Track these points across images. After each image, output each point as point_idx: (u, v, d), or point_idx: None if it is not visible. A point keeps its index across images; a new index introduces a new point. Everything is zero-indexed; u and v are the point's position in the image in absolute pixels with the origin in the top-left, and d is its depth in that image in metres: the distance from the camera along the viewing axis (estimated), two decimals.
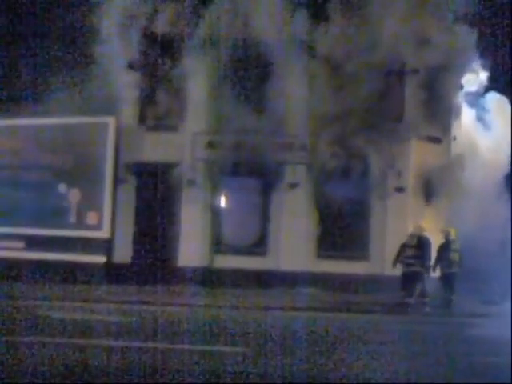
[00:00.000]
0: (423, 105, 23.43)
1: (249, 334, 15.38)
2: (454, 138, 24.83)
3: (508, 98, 25.56)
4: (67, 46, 25.61)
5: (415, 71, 23.46)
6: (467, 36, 23.36)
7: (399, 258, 21.14)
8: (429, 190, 24.34)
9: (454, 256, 21.14)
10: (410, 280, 20.92)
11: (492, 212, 23.53)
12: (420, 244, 21.05)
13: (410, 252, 21.01)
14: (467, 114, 25.50)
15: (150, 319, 17.55)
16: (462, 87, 24.58)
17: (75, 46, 25.18)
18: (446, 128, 24.58)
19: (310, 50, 23.72)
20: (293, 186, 24.82)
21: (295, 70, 23.72)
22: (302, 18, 23.57)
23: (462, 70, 23.88)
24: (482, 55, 24.33)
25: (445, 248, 21.28)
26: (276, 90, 24.23)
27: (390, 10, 23.06)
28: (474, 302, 21.28)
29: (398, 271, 21.48)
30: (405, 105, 23.71)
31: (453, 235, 21.35)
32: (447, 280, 21.15)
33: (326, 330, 16.43)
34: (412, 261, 20.90)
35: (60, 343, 13.24)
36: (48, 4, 25.91)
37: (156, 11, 24.66)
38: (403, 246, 21.25)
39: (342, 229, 25.02)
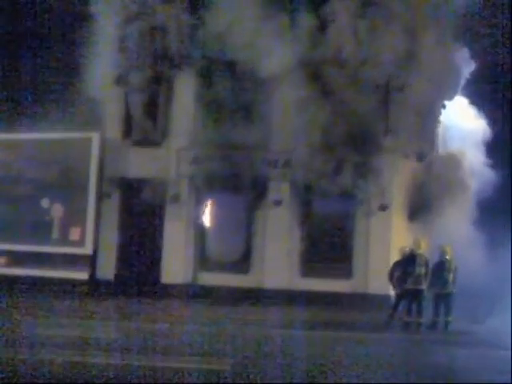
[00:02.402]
0: (408, 122, 23.48)
1: (232, 350, 15.31)
2: (437, 155, 24.89)
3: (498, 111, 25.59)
4: (53, 61, 25.59)
5: (400, 88, 23.55)
6: (454, 53, 23.52)
7: (393, 275, 20.78)
8: (413, 208, 24.36)
9: (451, 275, 20.32)
10: (408, 298, 20.45)
11: (476, 230, 23.63)
12: (420, 261, 20.38)
13: (409, 269, 20.37)
14: (451, 131, 25.57)
15: (133, 335, 17.43)
16: (444, 106, 24.62)
17: (62, 61, 25.13)
18: (430, 145, 24.63)
19: (297, 66, 23.73)
20: (277, 203, 24.81)
21: (280, 86, 23.71)
22: (289, 34, 23.62)
23: (446, 87, 23.93)
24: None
25: (440, 267, 20.46)
26: (261, 106, 24.27)
27: (377, 26, 23.20)
28: (460, 320, 21.13)
29: (380, 289, 21.37)
30: (389, 121, 23.81)
31: (449, 254, 20.57)
32: (442, 301, 20.33)
33: (310, 348, 16.39)
34: (412, 279, 20.27)
35: (42, 359, 13.12)
36: (36, 15, 25.90)
37: (143, 28, 24.66)
38: (397, 263, 20.93)
39: (325, 246, 25.01)
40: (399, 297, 20.71)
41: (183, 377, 12.42)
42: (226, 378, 12.18)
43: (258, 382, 12.10)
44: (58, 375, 11.84)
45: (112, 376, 12.09)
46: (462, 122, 25.88)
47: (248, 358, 14.31)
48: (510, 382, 10.72)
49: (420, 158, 24.36)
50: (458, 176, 24.62)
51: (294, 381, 12.42)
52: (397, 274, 20.64)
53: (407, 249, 20.89)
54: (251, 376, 12.55)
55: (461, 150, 25.44)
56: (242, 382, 12.22)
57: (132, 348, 15.29)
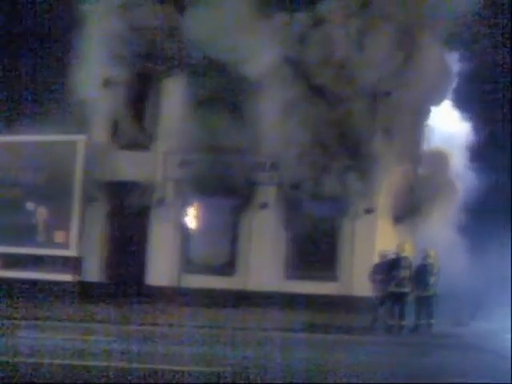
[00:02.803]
0: (393, 127, 23.60)
1: (216, 353, 15.36)
2: (422, 159, 24.97)
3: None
4: (41, 63, 25.55)
5: (387, 93, 23.68)
6: (441, 60, 23.63)
7: (374, 277, 20.90)
8: (398, 211, 24.44)
9: (433, 279, 20.52)
10: (391, 301, 20.61)
11: (460, 233, 23.76)
12: (405, 264, 20.61)
13: (393, 272, 20.57)
14: (436, 136, 25.62)
15: (119, 338, 17.43)
16: (429, 111, 24.71)
17: (49, 64, 25.09)
18: (415, 149, 24.72)
19: (284, 71, 23.81)
20: (263, 206, 24.89)
21: (267, 91, 23.77)
22: (278, 34, 23.69)
23: (433, 92, 24.04)
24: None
25: (423, 270, 20.66)
26: (248, 111, 24.31)
27: (367, 29, 23.32)
28: (444, 323, 21.24)
29: (365, 292, 21.44)
30: (376, 126, 23.93)
31: (432, 257, 20.82)
32: (424, 303, 20.51)
33: (293, 351, 16.44)
34: (396, 282, 20.46)
35: (27, 362, 13.12)
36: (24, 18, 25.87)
37: (131, 31, 24.65)
38: (377, 266, 20.98)
39: (310, 249, 25.09)
40: (381, 299, 20.85)
41: (164, 378, 12.47)
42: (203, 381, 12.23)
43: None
44: (41, 378, 11.85)
45: (92, 377, 12.14)
46: (445, 124, 25.93)
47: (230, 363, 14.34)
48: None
49: (403, 162, 24.41)
50: (444, 179, 24.71)
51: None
52: (377, 276, 20.79)
53: (388, 252, 21.09)
54: (237, 378, 12.62)
55: (447, 152, 25.47)
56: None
57: (117, 351, 15.31)
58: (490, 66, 24.54)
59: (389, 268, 20.77)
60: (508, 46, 24.84)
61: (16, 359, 13.43)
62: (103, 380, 12.09)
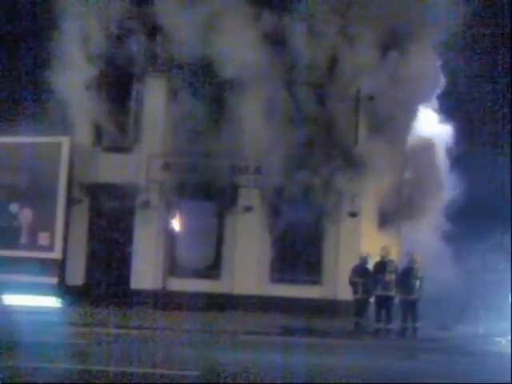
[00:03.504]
0: (377, 130, 23.65)
1: (201, 357, 15.33)
2: (407, 163, 25.03)
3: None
4: (24, 67, 25.47)
5: (370, 98, 23.73)
6: (425, 63, 23.68)
7: (353, 279, 20.96)
8: (383, 215, 24.48)
9: (417, 282, 20.51)
10: (378, 304, 20.64)
11: (445, 237, 23.85)
12: (390, 268, 20.65)
13: (379, 276, 20.61)
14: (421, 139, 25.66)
15: (103, 342, 17.38)
16: (417, 113, 24.74)
17: (32, 67, 25.00)
18: (399, 153, 24.73)
19: (267, 74, 23.79)
20: (247, 209, 24.88)
21: (251, 94, 23.77)
22: (260, 42, 23.68)
23: (418, 96, 24.09)
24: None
25: (407, 273, 20.68)
26: (231, 113, 24.31)
27: (348, 37, 23.36)
28: (428, 327, 21.25)
29: (349, 295, 21.47)
30: (359, 130, 23.99)
31: (417, 261, 20.78)
32: (410, 307, 20.50)
33: (279, 354, 16.43)
34: (382, 285, 20.50)
35: (11, 366, 13.05)
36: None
37: (114, 33, 24.59)
38: (355, 269, 21.07)
39: (295, 253, 25.13)
40: (361, 303, 20.89)
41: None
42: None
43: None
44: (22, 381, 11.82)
45: (77, 381, 12.10)
46: (432, 126, 25.98)
47: (217, 366, 14.32)
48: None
49: (389, 165, 24.43)
50: (430, 182, 24.75)
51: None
52: (357, 279, 20.83)
53: (366, 254, 21.15)
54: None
55: (433, 155, 25.48)
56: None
57: (99, 355, 15.26)
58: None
59: (374, 271, 20.82)
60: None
61: None
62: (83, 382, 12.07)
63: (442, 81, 24.97)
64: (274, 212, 25.16)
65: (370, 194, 24.47)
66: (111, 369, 13.33)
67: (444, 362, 16.10)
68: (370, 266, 21.05)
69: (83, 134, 25.54)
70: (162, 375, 12.90)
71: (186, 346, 17.09)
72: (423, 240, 22.96)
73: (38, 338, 16.97)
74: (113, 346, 16.68)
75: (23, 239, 25.69)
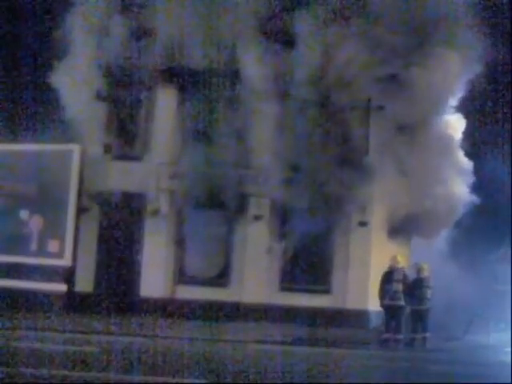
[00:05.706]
0: (387, 140, 23.61)
1: (209, 366, 15.31)
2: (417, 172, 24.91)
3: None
4: (35, 75, 25.57)
5: (381, 107, 23.70)
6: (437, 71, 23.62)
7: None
8: (392, 224, 24.39)
9: (427, 292, 20.42)
10: (387, 314, 20.48)
11: (454, 247, 23.75)
12: (398, 277, 20.41)
13: (387, 286, 20.40)
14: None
15: (112, 350, 17.38)
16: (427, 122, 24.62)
17: (43, 75, 25.07)
18: (409, 162, 24.64)
19: (278, 84, 23.81)
20: (257, 218, 24.85)
21: (262, 104, 23.78)
22: (270, 53, 23.70)
23: (427, 105, 24.01)
24: None
25: (417, 284, 20.54)
26: (242, 123, 24.32)
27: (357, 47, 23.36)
28: (437, 337, 21.15)
29: (359, 305, 21.39)
30: (369, 140, 23.93)
31: (426, 271, 20.72)
32: (419, 317, 20.39)
33: (288, 364, 16.38)
34: (390, 295, 20.28)
35: (19, 373, 13.06)
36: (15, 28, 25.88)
37: (124, 42, 24.67)
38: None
39: (304, 262, 25.03)
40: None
41: None
42: None
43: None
44: None
45: None
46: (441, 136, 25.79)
47: (226, 375, 14.28)
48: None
49: (399, 175, 24.37)
50: (439, 192, 24.63)
51: None
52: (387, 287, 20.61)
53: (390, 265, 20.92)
54: None
55: (442, 165, 25.32)
56: None
57: (108, 361, 15.25)
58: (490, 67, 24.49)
59: (381, 281, 20.72)
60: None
61: (7, 369, 13.37)
62: None
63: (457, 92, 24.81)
64: (284, 221, 25.12)
65: (380, 203, 24.40)
66: (118, 377, 13.32)
67: (453, 373, 16.02)
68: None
69: (93, 143, 25.62)
70: None
71: (194, 354, 17.06)
72: (433, 249, 22.88)
73: (45, 344, 17.05)
74: (121, 354, 16.66)
75: (33, 246, 25.76)
